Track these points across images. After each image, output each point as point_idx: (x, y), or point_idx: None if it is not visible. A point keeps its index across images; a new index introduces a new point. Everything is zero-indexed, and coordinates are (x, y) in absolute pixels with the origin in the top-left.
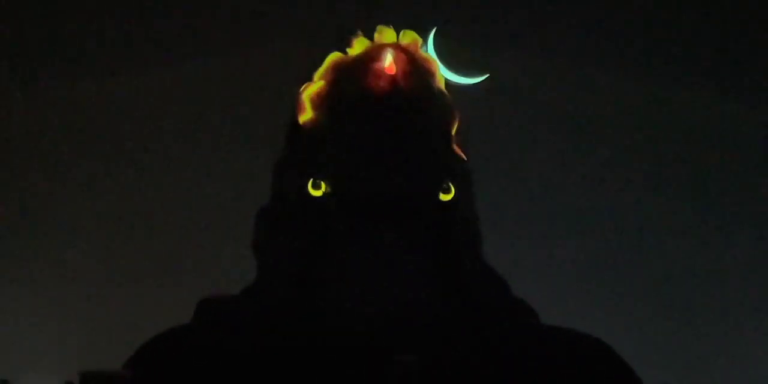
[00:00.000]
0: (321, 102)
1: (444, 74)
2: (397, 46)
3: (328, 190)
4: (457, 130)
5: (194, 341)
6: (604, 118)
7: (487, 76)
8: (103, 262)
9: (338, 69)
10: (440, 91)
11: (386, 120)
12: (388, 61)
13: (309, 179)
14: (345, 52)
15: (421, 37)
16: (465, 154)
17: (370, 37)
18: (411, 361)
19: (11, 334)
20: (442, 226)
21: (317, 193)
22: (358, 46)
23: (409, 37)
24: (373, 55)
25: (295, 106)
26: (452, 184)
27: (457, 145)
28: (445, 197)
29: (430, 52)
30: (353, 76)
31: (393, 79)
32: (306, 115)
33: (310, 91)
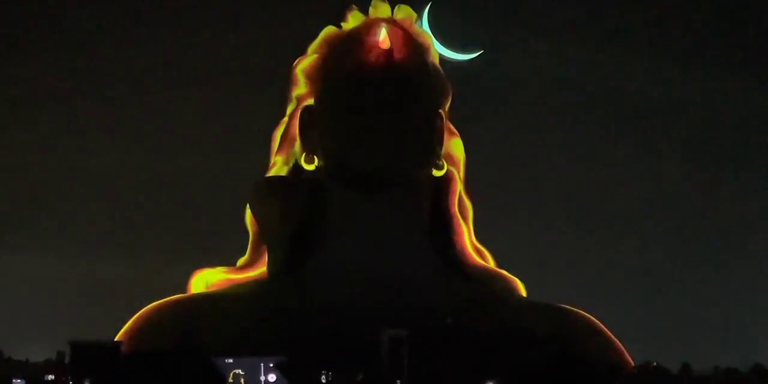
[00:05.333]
0: (314, 76)
1: (438, 50)
2: (391, 21)
3: (321, 164)
4: (450, 105)
5: (186, 313)
6: (602, 90)
7: (481, 52)
8: (95, 238)
9: (332, 43)
10: (434, 67)
11: (379, 95)
12: (383, 36)
13: (302, 154)
14: (339, 26)
15: (416, 12)
16: (458, 130)
17: (365, 12)
18: (401, 335)
19: (4, 306)
20: (433, 200)
21: (310, 167)
22: (353, 21)
23: (404, 12)
24: (367, 29)
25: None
26: (445, 161)
27: (450, 120)
28: (437, 173)
29: (424, 27)
30: (347, 50)
31: (387, 53)
32: (300, 89)
33: (304, 64)
